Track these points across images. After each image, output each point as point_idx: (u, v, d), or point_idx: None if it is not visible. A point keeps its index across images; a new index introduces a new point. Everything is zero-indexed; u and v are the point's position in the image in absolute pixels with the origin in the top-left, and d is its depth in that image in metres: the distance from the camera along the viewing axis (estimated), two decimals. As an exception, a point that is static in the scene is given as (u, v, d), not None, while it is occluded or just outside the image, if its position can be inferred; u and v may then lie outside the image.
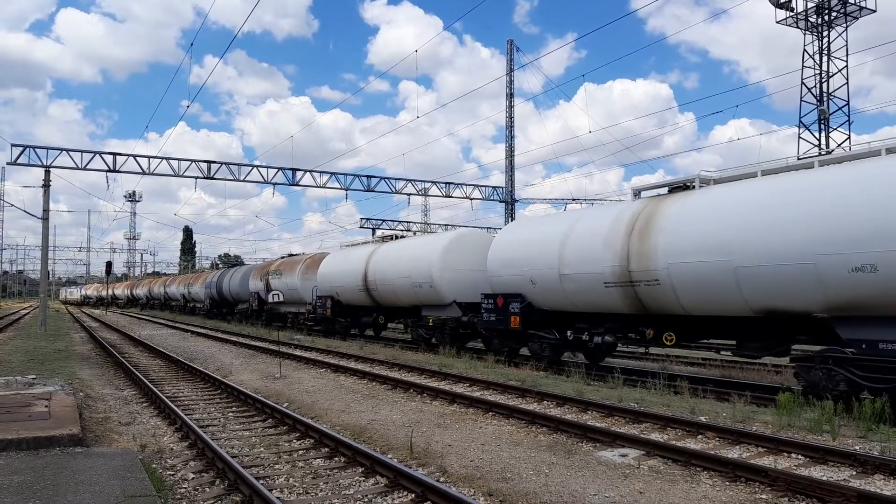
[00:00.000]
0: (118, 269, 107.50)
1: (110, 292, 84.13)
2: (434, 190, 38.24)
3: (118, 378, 14.64)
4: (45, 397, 10.07)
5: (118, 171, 30.50)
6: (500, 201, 39.74)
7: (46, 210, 29.68)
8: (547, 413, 9.76)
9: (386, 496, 6.16)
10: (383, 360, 17.03)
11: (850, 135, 30.84)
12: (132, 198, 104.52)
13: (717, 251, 11.20)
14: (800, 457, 7.32)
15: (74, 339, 26.02)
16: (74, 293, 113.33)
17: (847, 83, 31.02)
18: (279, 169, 33.41)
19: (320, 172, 34.43)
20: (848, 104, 30.99)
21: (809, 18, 31.29)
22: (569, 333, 15.03)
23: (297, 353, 19.77)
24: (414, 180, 37.16)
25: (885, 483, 6.39)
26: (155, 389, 11.82)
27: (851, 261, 9.35)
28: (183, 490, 6.40)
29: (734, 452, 7.63)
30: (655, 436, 8.48)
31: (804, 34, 31.53)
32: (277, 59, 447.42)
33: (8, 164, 29.60)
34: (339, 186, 34.62)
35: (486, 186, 39.98)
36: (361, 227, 48.65)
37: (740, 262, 10.82)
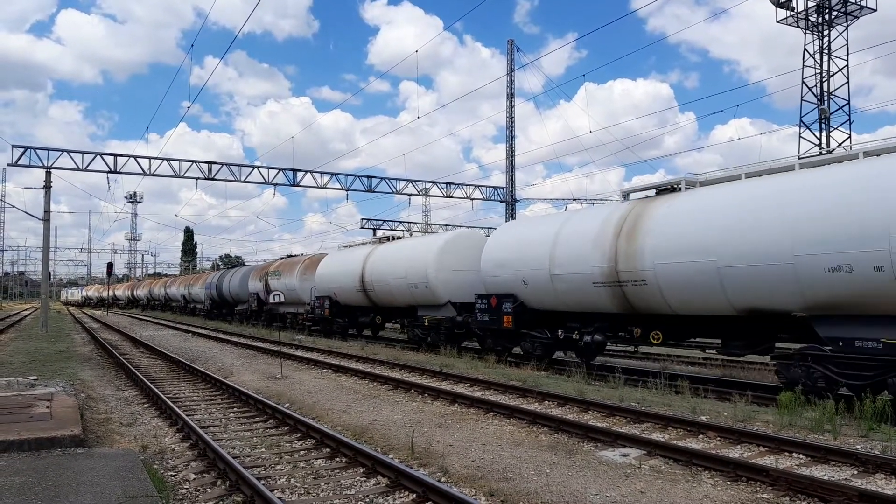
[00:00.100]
0: (119, 270, 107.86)
1: (111, 293, 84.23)
2: (435, 190, 38.32)
3: (119, 379, 14.65)
4: (47, 398, 10.07)
5: (119, 172, 30.57)
6: (501, 201, 39.73)
7: (47, 211, 29.74)
8: (548, 413, 9.77)
9: (387, 496, 6.16)
10: (384, 360, 17.05)
11: (850, 134, 30.85)
12: (133, 199, 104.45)
13: (701, 252, 11.33)
14: (801, 456, 7.33)
15: (75, 340, 26.02)
16: (75, 294, 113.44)
17: (848, 82, 31.02)
18: (280, 169, 33.49)
19: (321, 173, 34.52)
20: (848, 103, 31.00)
21: (810, 18, 31.26)
22: (560, 333, 15.21)
23: (299, 353, 19.77)
24: (414, 181, 37.23)
25: (886, 482, 6.39)
26: (156, 390, 11.83)
27: (828, 261, 9.50)
28: (184, 491, 6.40)
29: (735, 452, 7.64)
30: (657, 435, 8.49)
31: (804, 33, 31.52)
32: (278, 60, 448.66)
33: (9, 165, 29.68)
34: (339, 187, 34.67)
35: (486, 186, 40.02)
36: (362, 228, 48.76)
37: (723, 263, 10.95)
